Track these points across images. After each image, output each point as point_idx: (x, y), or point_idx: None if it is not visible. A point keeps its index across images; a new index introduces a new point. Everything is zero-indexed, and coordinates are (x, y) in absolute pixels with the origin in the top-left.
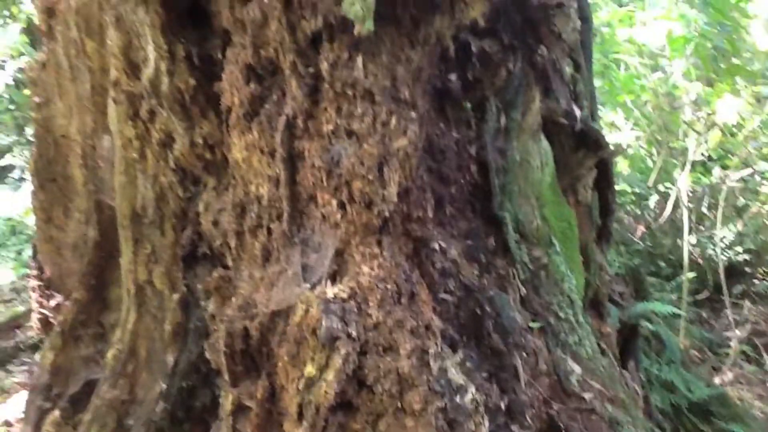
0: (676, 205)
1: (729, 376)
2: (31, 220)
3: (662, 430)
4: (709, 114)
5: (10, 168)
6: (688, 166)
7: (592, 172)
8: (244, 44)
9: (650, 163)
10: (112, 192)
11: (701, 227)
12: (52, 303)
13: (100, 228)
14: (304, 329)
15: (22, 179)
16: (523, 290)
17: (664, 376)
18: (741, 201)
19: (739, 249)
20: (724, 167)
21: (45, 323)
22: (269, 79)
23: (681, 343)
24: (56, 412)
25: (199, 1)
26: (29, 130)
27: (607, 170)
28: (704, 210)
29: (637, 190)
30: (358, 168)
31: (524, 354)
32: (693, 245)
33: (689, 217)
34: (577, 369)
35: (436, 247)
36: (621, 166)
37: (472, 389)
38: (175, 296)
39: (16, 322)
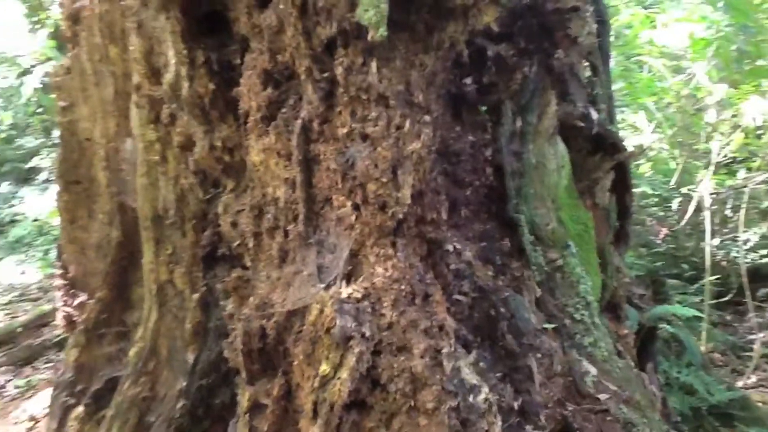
0: (700, 208)
1: (752, 379)
2: (57, 221)
3: None
4: (733, 115)
5: (37, 170)
6: (711, 168)
7: (610, 175)
8: (261, 50)
9: (673, 166)
10: (134, 194)
11: (725, 230)
12: (76, 302)
13: (122, 229)
14: (318, 329)
15: (48, 181)
16: (538, 292)
17: (684, 378)
18: (765, 203)
19: (764, 251)
20: (749, 169)
21: (69, 321)
22: (286, 83)
23: (702, 346)
24: (80, 408)
25: (218, 7)
26: (56, 134)
27: (624, 173)
28: (728, 212)
29: (659, 192)
30: (372, 171)
31: (539, 355)
32: (716, 248)
33: (712, 220)
34: (593, 370)
35: (450, 248)
36: (643, 168)
37: (485, 389)
38: (195, 296)
39: (42, 321)
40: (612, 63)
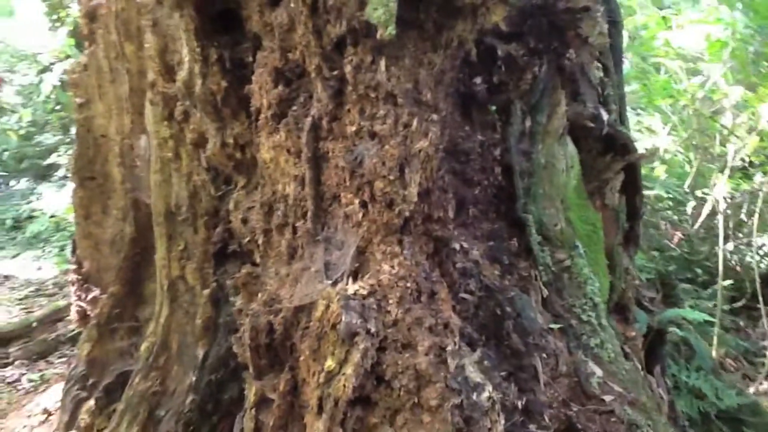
0: (714, 212)
1: (764, 385)
2: (73, 217)
3: None
4: (749, 118)
5: (55, 167)
6: (726, 172)
7: (620, 176)
8: (272, 48)
9: (688, 169)
10: (147, 190)
11: (739, 234)
12: (90, 296)
13: (136, 225)
14: (324, 324)
15: (66, 178)
16: (545, 292)
17: (693, 382)
18: None
19: None
20: (765, 173)
21: (83, 316)
22: (296, 81)
23: (714, 351)
24: (91, 402)
25: (231, 5)
26: (74, 131)
27: (634, 174)
28: (743, 216)
29: (673, 195)
30: (380, 168)
31: (544, 355)
32: (731, 252)
33: (726, 224)
34: (598, 371)
35: (457, 247)
36: (658, 171)
37: (489, 387)
38: (206, 292)
39: (58, 316)
40: (628, 64)
